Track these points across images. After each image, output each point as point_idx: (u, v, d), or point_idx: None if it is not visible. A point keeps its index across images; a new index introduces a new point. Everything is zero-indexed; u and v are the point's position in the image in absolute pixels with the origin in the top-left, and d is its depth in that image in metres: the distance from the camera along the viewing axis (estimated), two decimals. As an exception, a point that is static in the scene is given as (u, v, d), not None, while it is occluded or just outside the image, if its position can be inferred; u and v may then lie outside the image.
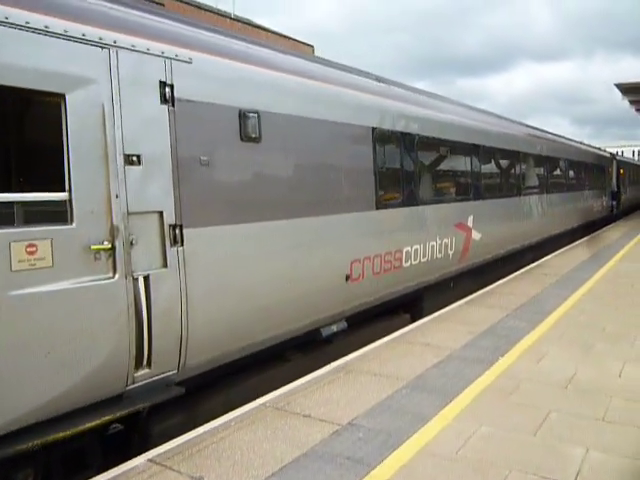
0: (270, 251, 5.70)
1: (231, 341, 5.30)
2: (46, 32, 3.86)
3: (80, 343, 4.04)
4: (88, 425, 4.10)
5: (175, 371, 4.81)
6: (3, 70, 3.65)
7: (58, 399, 3.94)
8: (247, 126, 5.43)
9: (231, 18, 32.83)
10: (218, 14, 30.43)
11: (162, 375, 4.69)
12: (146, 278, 4.50)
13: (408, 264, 8.27)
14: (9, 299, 3.69)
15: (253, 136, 5.51)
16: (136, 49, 4.43)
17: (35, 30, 3.79)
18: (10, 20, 3.66)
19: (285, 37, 34.94)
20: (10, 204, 3.76)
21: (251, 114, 5.47)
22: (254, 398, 5.29)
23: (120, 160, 4.31)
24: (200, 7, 29.09)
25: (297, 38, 36.17)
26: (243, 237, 5.40)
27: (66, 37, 3.97)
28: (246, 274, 5.39)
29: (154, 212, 4.60)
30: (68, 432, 3.96)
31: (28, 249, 3.78)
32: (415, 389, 5.53)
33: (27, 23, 3.75)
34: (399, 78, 9.70)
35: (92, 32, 4.13)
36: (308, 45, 35.99)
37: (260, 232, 5.60)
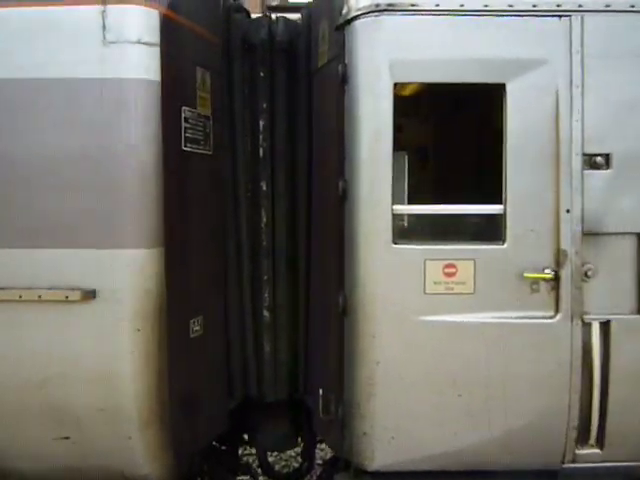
0: None
1: None
2: (484, 12, 3.20)
3: (496, 391, 3.25)
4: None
5: (647, 464, 3.34)
6: (443, 65, 3.23)
7: (464, 452, 3.28)
8: None
9: None
10: None
11: (622, 464, 3.33)
12: (605, 324, 3.26)
13: None
14: (419, 325, 3.27)
15: None
16: (611, 9, 3.21)
17: (472, 12, 3.19)
18: (441, 7, 3.19)
19: None
20: (426, 217, 3.33)
21: None
22: None
23: (577, 162, 3.22)
24: None
25: None
26: None
27: (511, 13, 3.20)
28: None
29: (629, 234, 3.28)
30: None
31: (446, 270, 3.26)
32: None
33: (461, 6, 3.19)
34: None
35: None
36: None
37: None
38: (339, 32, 3.37)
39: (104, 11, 3.01)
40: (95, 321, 3.09)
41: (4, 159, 3.11)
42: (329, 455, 5.74)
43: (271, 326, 3.99)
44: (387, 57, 3.22)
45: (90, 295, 3.07)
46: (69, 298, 3.05)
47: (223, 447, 4.41)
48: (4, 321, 3.11)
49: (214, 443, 4.19)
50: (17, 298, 3.07)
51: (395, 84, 3.24)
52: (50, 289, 3.08)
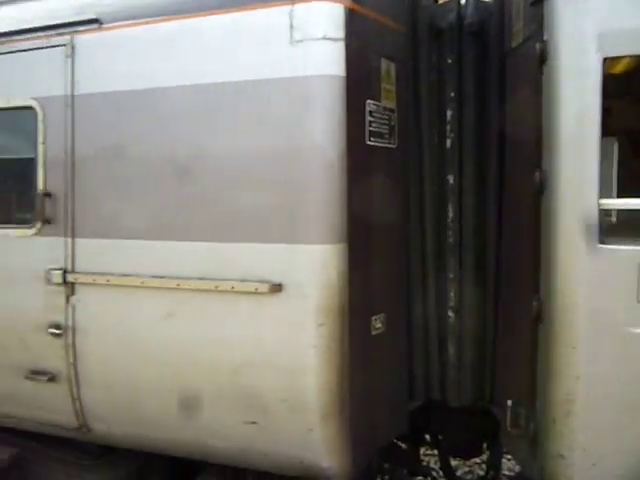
0: None
1: None
2: None
3: None
4: None
5: None
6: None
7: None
8: None
9: None
10: None
11: None
12: None
13: None
14: (631, 338, 2.84)
15: None
16: None
17: None
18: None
19: None
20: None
21: None
22: None
23: None
24: None
25: None
26: None
27: None
28: None
29: None
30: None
31: (666, 275, 2.76)
32: None
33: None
34: None
35: None
36: None
37: None
38: (536, 7, 3.03)
39: (291, 11, 3.07)
40: (281, 314, 3.19)
41: (202, 159, 3.35)
42: (518, 467, 5.35)
43: (456, 328, 3.77)
44: (595, 28, 2.81)
45: (277, 288, 3.17)
46: (258, 290, 3.19)
47: (404, 446, 4.32)
48: (202, 309, 3.37)
49: (395, 441, 4.12)
50: (213, 288, 3.29)
51: (604, 59, 2.81)
52: (242, 281, 3.25)
